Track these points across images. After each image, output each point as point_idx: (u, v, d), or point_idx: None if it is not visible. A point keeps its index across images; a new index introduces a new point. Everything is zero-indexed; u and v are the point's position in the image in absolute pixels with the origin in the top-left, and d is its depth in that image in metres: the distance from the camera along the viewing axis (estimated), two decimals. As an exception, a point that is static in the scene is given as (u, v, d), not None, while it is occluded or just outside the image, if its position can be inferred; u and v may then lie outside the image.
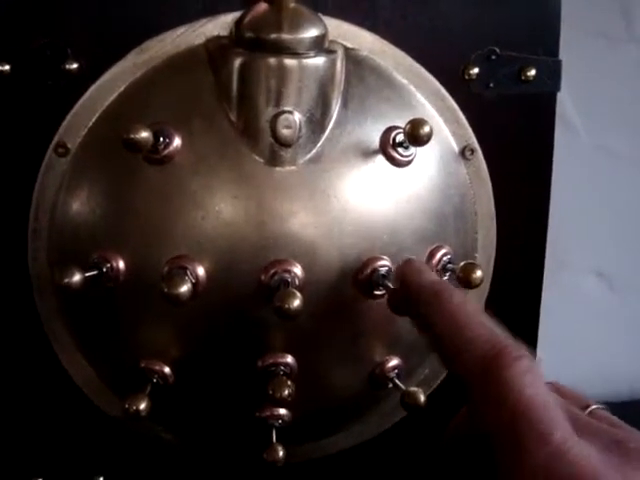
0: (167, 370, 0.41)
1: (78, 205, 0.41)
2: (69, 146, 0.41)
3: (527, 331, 0.49)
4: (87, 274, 0.38)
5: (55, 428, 0.45)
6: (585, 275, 0.79)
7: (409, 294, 0.36)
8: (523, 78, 0.45)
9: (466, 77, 0.44)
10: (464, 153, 0.45)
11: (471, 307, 0.33)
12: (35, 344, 0.43)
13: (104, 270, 0.39)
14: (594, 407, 0.33)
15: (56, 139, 0.41)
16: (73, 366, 0.44)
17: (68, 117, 0.41)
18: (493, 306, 0.47)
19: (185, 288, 0.37)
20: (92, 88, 0.41)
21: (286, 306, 0.36)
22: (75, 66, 0.41)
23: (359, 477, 0.49)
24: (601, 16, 0.71)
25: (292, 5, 0.39)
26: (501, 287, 0.47)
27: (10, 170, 0.42)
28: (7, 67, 0.41)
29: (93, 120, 0.41)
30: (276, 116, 0.39)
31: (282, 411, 0.42)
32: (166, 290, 0.37)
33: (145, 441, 0.45)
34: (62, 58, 0.41)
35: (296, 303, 0.36)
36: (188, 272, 0.38)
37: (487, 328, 0.31)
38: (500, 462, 0.29)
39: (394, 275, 0.39)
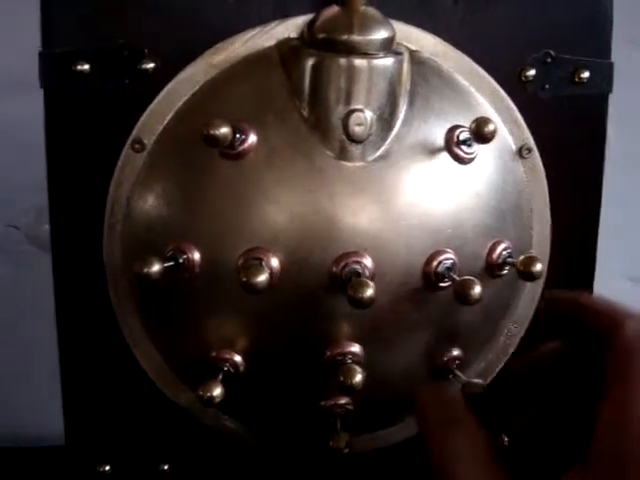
0: (238, 359, 0.42)
1: (153, 199, 0.43)
2: (145, 142, 0.43)
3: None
4: (165, 264, 0.40)
5: (123, 416, 0.47)
6: (619, 280, 0.80)
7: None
8: (577, 80, 0.47)
9: (523, 79, 0.46)
10: (521, 152, 0.46)
11: None
12: (107, 333, 0.45)
13: (180, 261, 0.41)
14: None
15: (133, 135, 0.43)
16: (143, 354, 0.45)
17: (144, 114, 0.43)
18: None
19: (263, 277, 0.38)
20: (168, 87, 0.43)
21: (359, 295, 0.38)
22: (151, 66, 0.43)
23: (414, 469, 0.50)
24: (628, 21, 0.73)
25: (362, 8, 0.41)
26: (553, 284, 0.48)
27: (88, 166, 0.44)
28: (87, 67, 0.43)
29: (169, 117, 0.43)
30: (348, 114, 0.40)
31: (347, 400, 0.44)
32: (244, 279, 0.38)
33: (211, 430, 0.46)
34: (139, 58, 0.43)
35: (369, 292, 0.38)
36: (263, 263, 0.40)
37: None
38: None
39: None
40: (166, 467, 0.48)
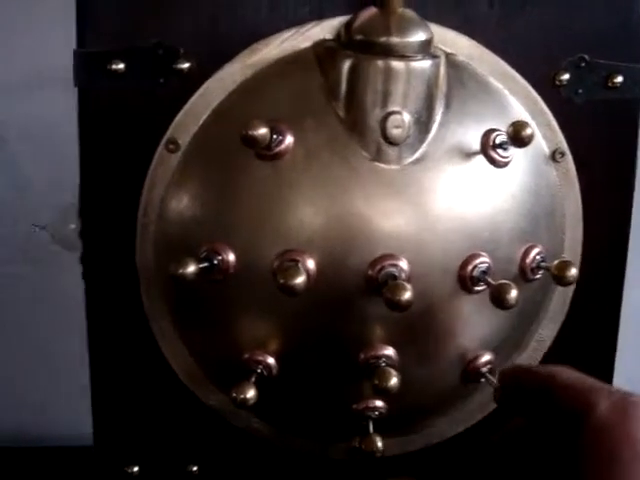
0: (271, 361, 0.42)
1: (187, 200, 0.43)
2: (180, 142, 0.43)
3: (607, 333, 0.51)
4: (200, 265, 0.40)
5: (152, 417, 0.47)
6: (637, 288, 0.80)
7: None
8: (610, 85, 0.46)
9: (557, 83, 0.46)
10: (554, 156, 0.46)
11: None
12: (138, 334, 0.45)
13: (215, 262, 0.41)
14: None
15: (167, 135, 0.43)
16: (174, 356, 0.45)
17: (179, 114, 0.43)
18: (575, 308, 0.49)
19: (301, 279, 0.38)
20: (203, 87, 0.43)
21: (397, 298, 0.38)
22: (186, 65, 0.43)
23: (442, 474, 0.50)
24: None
25: (400, 10, 0.41)
26: (583, 289, 0.48)
27: (121, 166, 0.43)
28: (121, 65, 0.42)
29: (204, 118, 0.43)
30: (386, 116, 0.40)
31: (379, 403, 0.43)
32: (282, 281, 0.38)
33: (240, 432, 0.46)
34: (174, 58, 0.42)
35: (407, 295, 0.38)
36: (299, 265, 0.40)
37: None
38: None
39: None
40: (195, 468, 0.48)
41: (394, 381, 0.39)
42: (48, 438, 0.74)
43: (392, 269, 0.40)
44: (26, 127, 0.66)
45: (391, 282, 0.39)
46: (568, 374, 0.34)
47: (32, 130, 0.66)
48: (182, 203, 0.43)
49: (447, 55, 0.43)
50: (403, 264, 0.40)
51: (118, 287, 0.45)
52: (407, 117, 0.40)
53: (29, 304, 0.69)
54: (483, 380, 0.44)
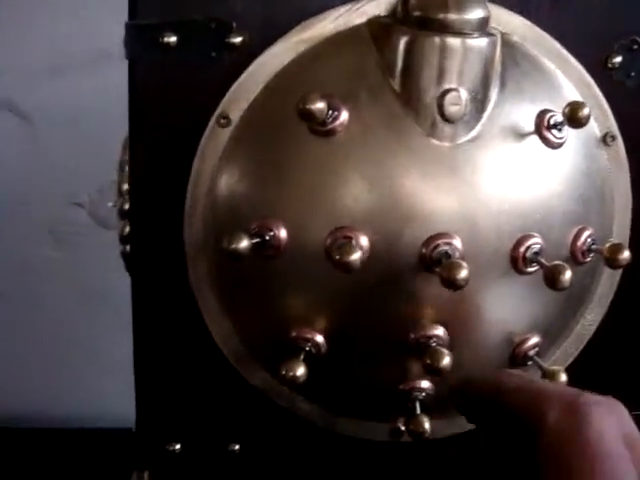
0: (320, 339, 0.42)
1: (238, 175, 0.42)
2: (231, 117, 0.42)
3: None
4: (253, 241, 0.39)
5: (195, 394, 0.46)
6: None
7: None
8: (662, 68, 0.46)
9: (609, 66, 0.45)
10: (605, 139, 0.46)
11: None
12: (183, 311, 0.44)
13: (267, 238, 0.40)
14: None
15: (219, 110, 0.42)
16: (220, 333, 0.45)
17: (231, 89, 0.42)
18: (621, 294, 0.49)
19: (357, 256, 0.38)
20: (256, 61, 0.42)
21: (454, 276, 0.38)
22: (239, 39, 0.42)
23: (482, 459, 0.50)
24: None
25: (458, -14, 0.41)
26: (630, 274, 0.48)
27: (172, 140, 0.43)
28: (174, 39, 0.42)
29: (257, 92, 0.42)
30: (444, 93, 0.40)
31: (425, 384, 0.43)
32: (337, 257, 0.38)
33: (284, 411, 0.46)
34: (226, 31, 0.42)
35: (463, 273, 0.37)
36: (353, 242, 0.39)
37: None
38: None
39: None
40: (237, 447, 0.47)
41: (447, 361, 0.39)
42: (87, 419, 0.74)
43: (446, 247, 0.40)
44: (59, 108, 0.65)
45: (446, 261, 0.39)
46: (513, 380, 0.34)
47: (65, 111, 0.65)
48: (233, 178, 0.42)
49: (502, 34, 0.43)
50: (457, 243, 0.40)
51: (165, 263, 0.44)
52: (464, 94, 0.40)
53: (59, 285, 0.69)
54: (530, 363, 0.44)
